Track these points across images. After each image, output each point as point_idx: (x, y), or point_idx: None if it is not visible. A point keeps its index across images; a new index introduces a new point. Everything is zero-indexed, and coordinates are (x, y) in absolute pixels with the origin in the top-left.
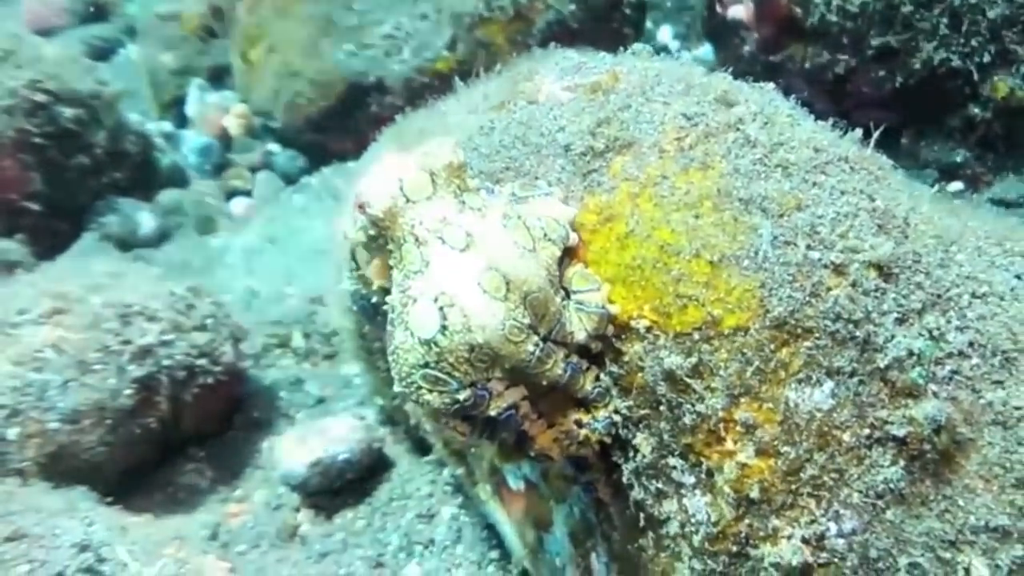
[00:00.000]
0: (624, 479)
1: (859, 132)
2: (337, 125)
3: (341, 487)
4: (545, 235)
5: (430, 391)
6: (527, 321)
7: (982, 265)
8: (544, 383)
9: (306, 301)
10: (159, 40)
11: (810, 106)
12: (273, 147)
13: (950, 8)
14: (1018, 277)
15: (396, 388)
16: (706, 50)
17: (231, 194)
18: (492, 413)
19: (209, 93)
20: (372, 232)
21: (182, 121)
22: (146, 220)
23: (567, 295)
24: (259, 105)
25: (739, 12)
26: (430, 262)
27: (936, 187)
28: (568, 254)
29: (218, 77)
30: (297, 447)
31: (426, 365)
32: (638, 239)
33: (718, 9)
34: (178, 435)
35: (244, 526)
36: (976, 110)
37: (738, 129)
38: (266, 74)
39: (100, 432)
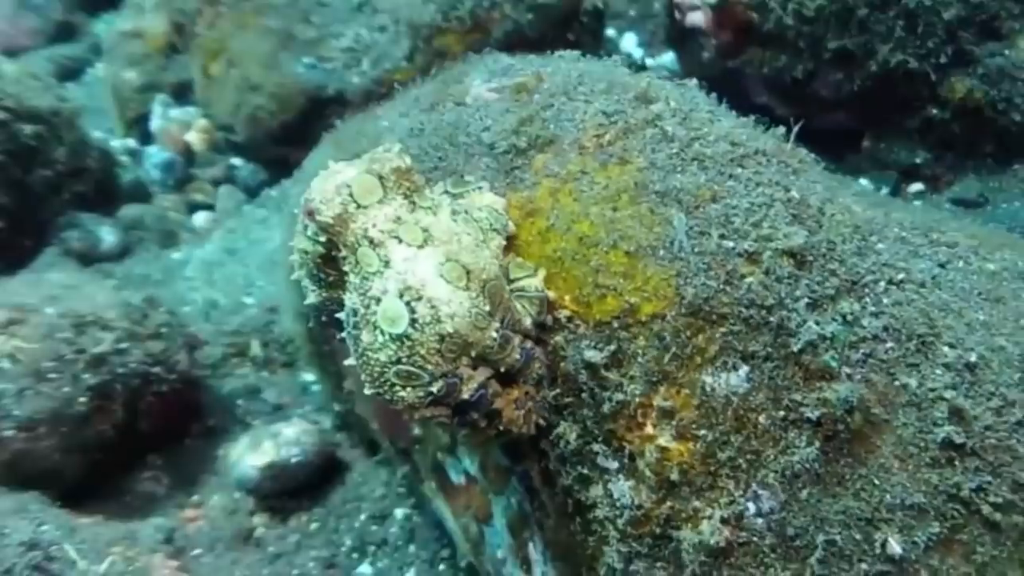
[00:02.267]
0: (552, 466)
1: (782, 129)
2: (298, 138)
3: (295, 490)
4: (491, 226)
5: (404, 387)
6: (487, 308)
7: (903, 254)
8: (502, 369)
9: (264, 311)
10: (122, 57)
11: (770, 110)
12: (235, 161)
13: (905, 10)
14: (941, 266)
15: (367, 391)
16: (670, 57)
17: (193, 208)
18: (466, 396)
19: (172, 109)
20: (322, 239)
21: (147, 138)
22: (107, 235)
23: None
24: (221, 119)
25: (698, 18)
26: (390, 260)
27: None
28: (508, 244)
29: (182, 93)
30: (250, 451)
31: (398, 361)
32: (558, 232)
33: (677, 16)
34: (135, 443)
35: (200, 531)
36: (935, 111)
37: (656, 125)
38: (227, 88)
39: (55, 439)
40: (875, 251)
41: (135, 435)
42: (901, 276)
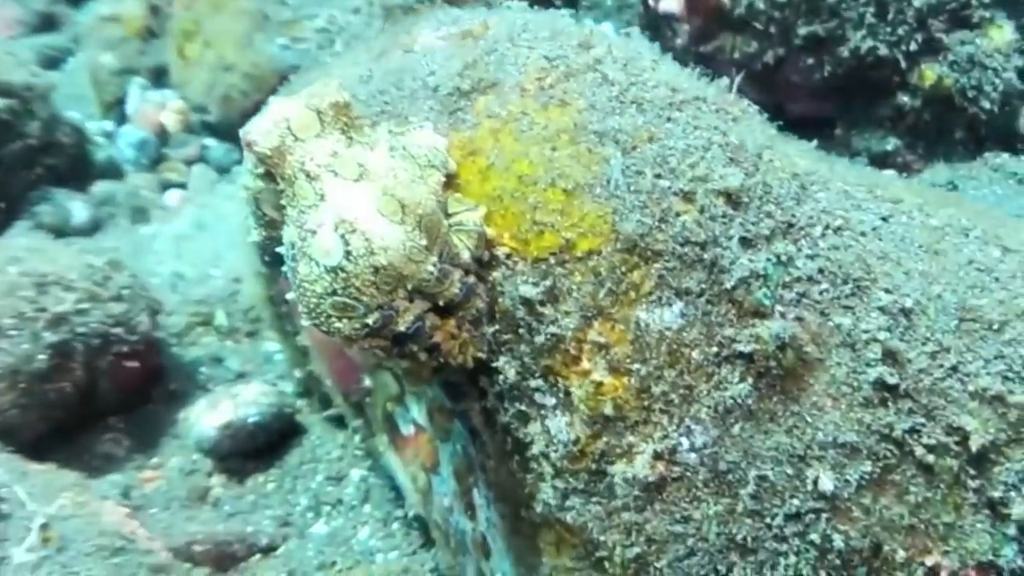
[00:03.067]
0: (490, 404)
1: (726, 80)
2: None
3: (253, 452)
4: (429, 162)
5: (339, 318)
6: (424, 242)
7: (845, 205)
8: (442, 303)
9: (230, 281)
10: (100, 42)
11: (743, 96)
12: (208, 141)
13: None
14: (884, 219)
15: (304, 322)
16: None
17: (166, 187)
18: (402, 328)
19: (149, 92)
20: (261, 171)
21: (124, 120)
22: (79, 210)
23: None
24: (195, 100)
25: (671, 5)
26: (325, 194)
27: None
28: (448, 181)
29: (159, 77)
30: (208, 411)
31: (333, 292)
32: (498, 171)
33: (651, 3)
34: (95, 404)
35: (157, 490)
36: (905, 98)
37: (596, 69)
38: (201, 69)
39: (13, 395)
40: (814, 199)
41: (96, 395)
42: (839, 223)
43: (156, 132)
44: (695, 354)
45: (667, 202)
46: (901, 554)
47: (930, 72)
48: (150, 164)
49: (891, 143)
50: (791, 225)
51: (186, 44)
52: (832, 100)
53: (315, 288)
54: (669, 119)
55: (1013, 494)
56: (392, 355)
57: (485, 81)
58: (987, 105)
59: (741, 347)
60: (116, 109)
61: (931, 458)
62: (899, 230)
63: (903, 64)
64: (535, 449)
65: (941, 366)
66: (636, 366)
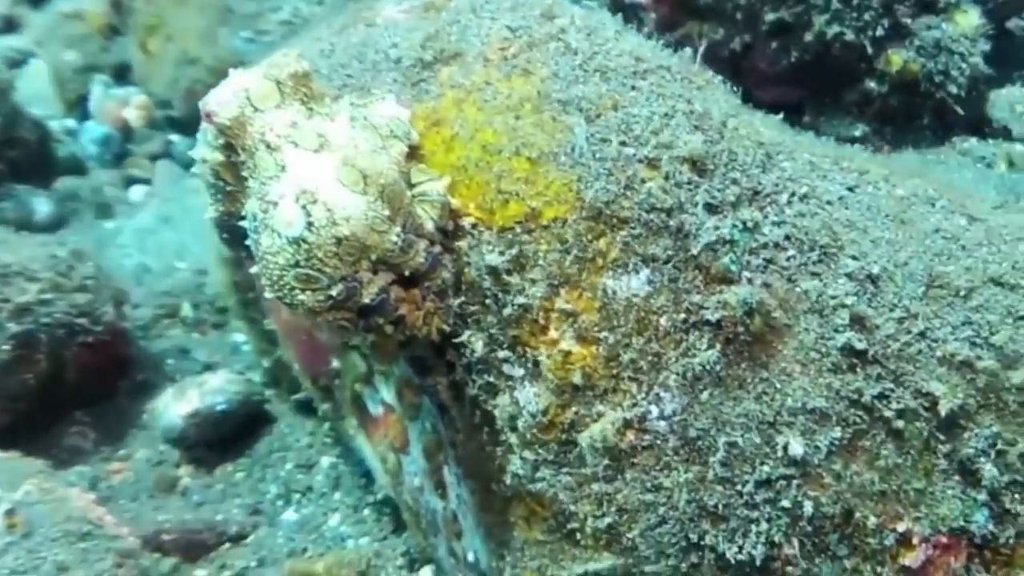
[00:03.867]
0: (458, 378)
1: (689, 51)
2: None
3: (221, 441)
4: (392, 132)
5: (303, 290)
6: (386, 212)
7: (811, 175)
8: (407, 273)
9: (196, 274)
10: (62, 39)
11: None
12: (173, 137)
13: None
14: (850, 189)
15: (268, 295)
16: None
17: (130, 183)
18: (366, 300)
19: (112, 89)
20: (220, 142)
21: (87, 118)
22: (41, 206)
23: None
24: (159, 95)
25: None
26: (286, 165)
27: None
28: (411, 152)
29: (122, 74)
30: (175, 400)
31: (296, 264)
32: (463, 141)
33: None
34: (61, 395)
35: (125, 481)
36: (872, 84)
37: (559, 39)
38: (165, 63)
39: None
40: (780, 167)
41: (61, 387)
42: (805, 191)
43: (119, 128)
44: (663, 321)
45: (632, 169)
46: (872, 520)
47: (897, 57)
48: (114, 160)
49: (859, 129)
50: (756, 192)
51: (149, 39)
52: (800, 86)
53: (277, 260)
54: (633, 87)
55: (983, 459)
56: (358, 328)
57: (448, 52)
58: (954, 90)
59: (709, 314)
60: (79, 107)
61: (900, 423)
62: (865, 199)
63: (870, 50)
64: (504, 421)
65: (909, 332)
66: (604, 334)
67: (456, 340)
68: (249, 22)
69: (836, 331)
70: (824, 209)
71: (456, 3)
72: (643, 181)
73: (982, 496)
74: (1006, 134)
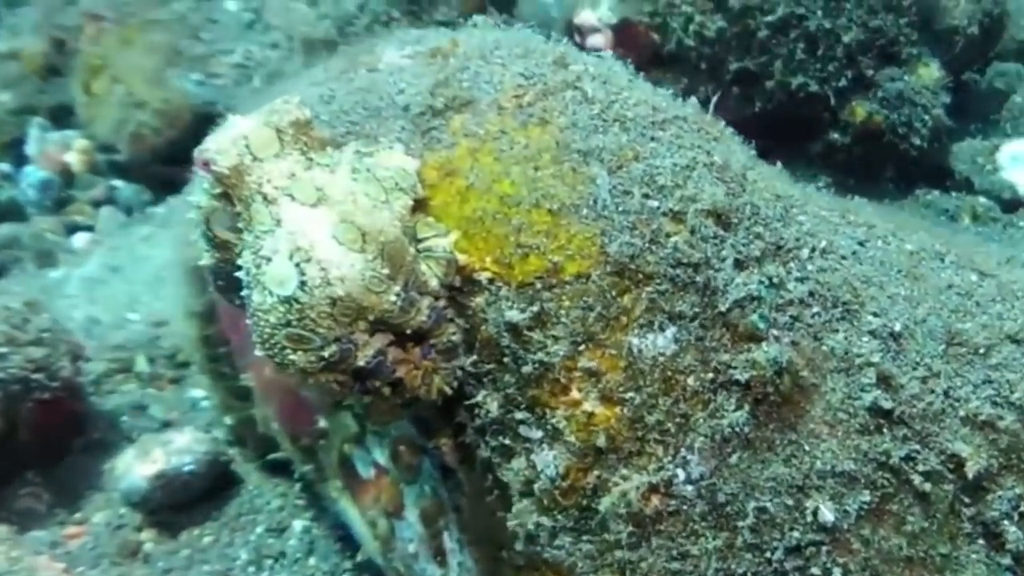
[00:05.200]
0: (469, 440)
1: (694, 99)
2: (184, 156)
3: (187, 503)
4: (396, 185)
5: (294, 351)
6: (386, 271)
7: (825, 228)
8: (408, 332)
9: (150, 326)
10: None
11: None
12: (117, 182)
13: (806, 33)
14: (860, 243)
15: (258, 352)
16: None
17: (72, 230)
18: (361, 363)
19: (50, 132)
20: (218, 191)
21: (22, 162)
22: None
23: (415, 244)
24: (103, 138)
25: (598, 41)
26: (281, 219)
27: None
28: (417, 205)
29: (61, 116)
30: (139, 460)
31: (288, 324)
32: (479, 192)
33: (578, 40)
34: (14, 455)
35: (83, 547)
36: (835, 136)
37: (576, 87)
38: (110, 106)
39: None
40: (797, 221)
41: (14, 446)
42: (824, 245)
43: (60, 173)
44: (690, 381)
45: (656, 223)
46: None
47: (861, 109)
48: (54, 206)
49: (822, 180)
50: (779, 247)
51: (93, 80)
52: (764, 136)
53: (269, 318)
54: (653, 138)
55: (1007, 523)
56: (353, 391)
57: (460, 99)
58: (917, 142)
59: (737, 373)
60: (13, 150)
61: (928, 486)
62: (877, 254)
63: (833, 101)
64: (519, 485)
65: (932, 391)
66: (629, 395)
67: (469, 401)
68: (199, 64)
69: (863, 390)
70: (842, 264)
71: (464, 49)
72: (668, 235)
73: (1006, 560)
74: (968, 186)
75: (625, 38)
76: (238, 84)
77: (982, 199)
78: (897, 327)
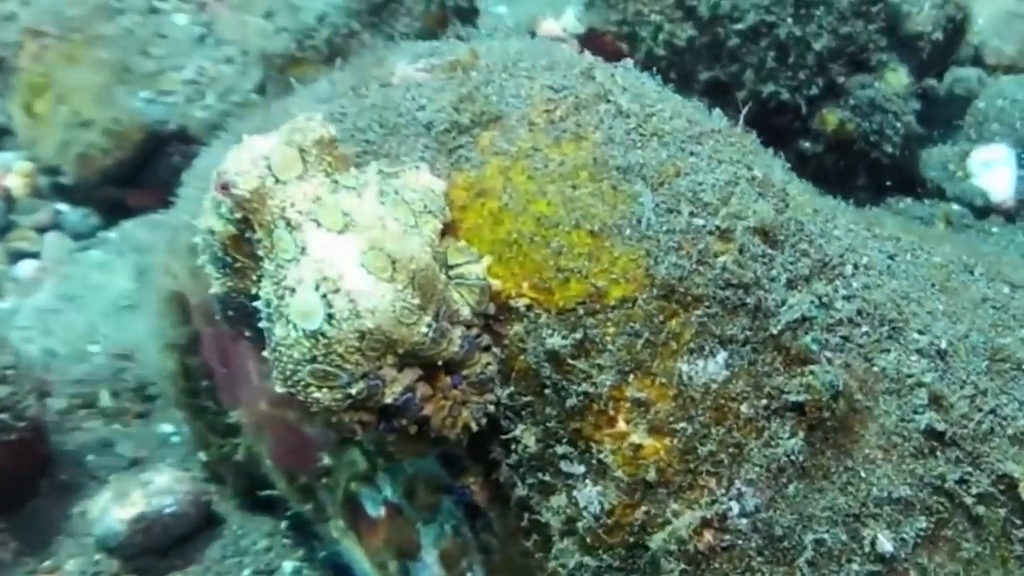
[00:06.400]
0: (503, 477)
1: (719, 111)
2: (135, 177)
3: (167, 547)
4: (425, 208)
5: (319, 388)
6: (416, 301)
7: (859, 240)
8: (439, 363)
9: (113, 358)
10: None
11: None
12: (62, 206)
13: (777, 41)
14: (891, 257)
15: (279, 389)
16: None
17: (17, 257)
18: (389, 400)
19: None
20: (237, 216)
21: None
22: None
23: (446, 271)
24: (46, 160)
25: None
26: (306, 247)
27: None
28: (446, 229)
29: None
30: (115, 503)
31: (313, 359)
32: (513, 213)
33: None
34: None
35: None
36: (807, 144)
37: (608, 100)
38: (54, 126)
39: None
40: (835, 236)
41: None
42: (866, 260)
43: (0, 198)
44: (743, 408)
45: (703, 242)
46: None
47: (832, 117)
48: None
49: None
50: (824, 264)
51: (35, 100)
52: None
53: (292, 353)
54: (692, 152)
55: None
56: (377, 429)
57: (487, 115)
58: (889, 149)
59: (792, 397)
60: None
61: (980, 509)
62: (909, 268)
63: (804, 109)
64: (559, 524)
65: (980, 410)
66: (681, 424)
67: (504, 435)
68: (149, 82)
69: (916, 412)
70: (881, 280)
71: (486, 61)
72: (716, 255)
73: None
74: (940, 193)
75: (592, 48)
76: (190, 101)
77: (955, 206)
78: (943, 344)
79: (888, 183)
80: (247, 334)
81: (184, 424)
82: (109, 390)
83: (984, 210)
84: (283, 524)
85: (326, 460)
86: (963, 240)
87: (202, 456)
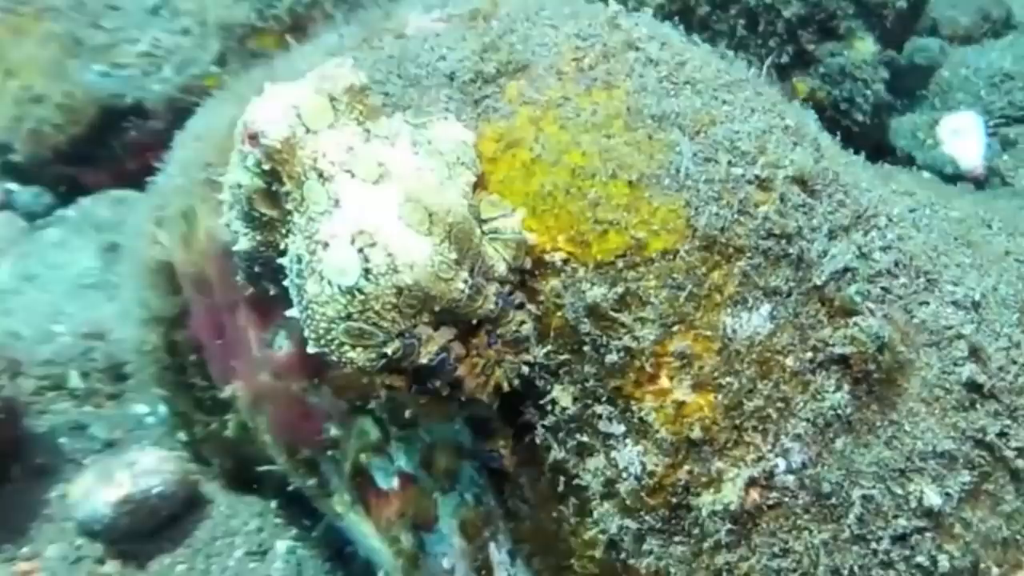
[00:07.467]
0: (539, 439)
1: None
2: (89, 154)
3: (153, 530)
4: (459, 159)
5: (353, 347)
6: (453, 256)
7: (886, 193)
8: (474, 321)
9: (80, 338)
10: None
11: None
12: (12, 185)
13: (746, 9)
14: (911, 211)
15: (311, 349)
16: None
17: None
18: (424, 360)
19: None
20: (266, 167)
21: None
22: None
23: (480, 225)
24: None
25: None
26: (340, 199)
27: None
28: (478, 181)
29: None
30: (100, 484)
31: (348, 317)
32: (546, 164)
33: None
34: None
35: None
36: None
37: (637, 48)
38: (3, 102)
39: None
40: (864, 188)
41: None
42: (897, 211)
43: None
44: (789, 361)
45: (744, 191)
46: (995, 571)
47: (802, 85)
48: None
49: None
50: (859, 215)
51: None
52: None
53: (326, 311)
54: (725, 101)
55: None
56: (409, 392)
57: (513, 64)
58: (860, 117)
59: (837, 349)
60: None
61: (1020, 462)
62: (931, 222)
63: (775, 77)
64: (598, 487)
65: (1015, 362)
66: (727, 379)
67: (540, 396)
68: (102, 54)
69: (956, 364)
70: (913, 232)
71: (507, 10)
72: (756, 205)
73: None
74: (910, 161)
75: None
76: (147, 74)
77: (925, 174)
78: (977, 296)
79: (858, 152)
80: (272, 292)
81: (161, 404)
82: (78, 371)
83: (954, 178)
84: (274, 503)
85: (333, 431)
86: (979, 195)
87: (182, 436)
